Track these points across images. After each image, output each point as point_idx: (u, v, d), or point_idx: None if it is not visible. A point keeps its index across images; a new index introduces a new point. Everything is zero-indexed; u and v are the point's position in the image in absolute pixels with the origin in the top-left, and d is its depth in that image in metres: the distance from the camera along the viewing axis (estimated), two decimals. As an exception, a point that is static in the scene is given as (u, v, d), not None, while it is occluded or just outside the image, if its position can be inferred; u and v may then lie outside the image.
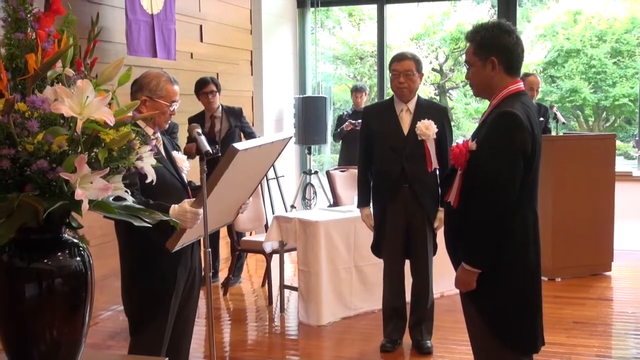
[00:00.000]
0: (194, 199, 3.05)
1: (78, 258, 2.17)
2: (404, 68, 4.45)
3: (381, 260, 5.39)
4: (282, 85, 8.78)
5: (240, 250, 6.25)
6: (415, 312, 4.78)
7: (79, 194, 1.88)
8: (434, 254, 4.72)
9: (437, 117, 4.49)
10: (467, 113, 17.35)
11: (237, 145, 2.83)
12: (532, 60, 16.36)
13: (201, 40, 7.01)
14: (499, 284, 2.94)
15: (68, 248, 2.15)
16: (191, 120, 6.17)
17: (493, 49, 2.94)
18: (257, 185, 3.60)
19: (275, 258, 5.98)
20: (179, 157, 3.43)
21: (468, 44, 3.05)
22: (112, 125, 1.94)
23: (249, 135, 6.41)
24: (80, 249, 2.17)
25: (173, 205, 3.08)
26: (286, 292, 5.84)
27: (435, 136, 4.45)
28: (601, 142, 6.79)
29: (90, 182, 1.93)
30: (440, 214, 4.47)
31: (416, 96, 4.55)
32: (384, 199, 4.57)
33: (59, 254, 2.12)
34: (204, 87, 6.31)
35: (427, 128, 4.41)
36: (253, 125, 8.03)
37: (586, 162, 6.53)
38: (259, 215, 6.31)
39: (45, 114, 1.97)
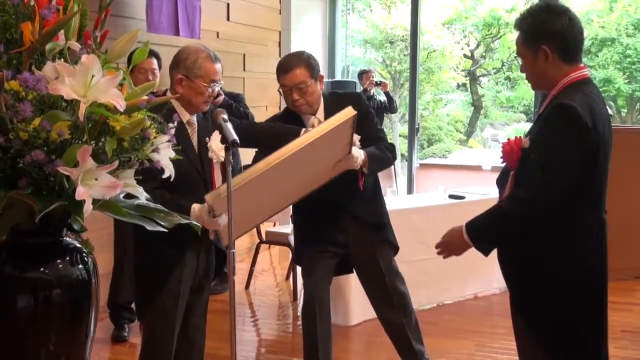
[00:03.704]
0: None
1: (81, 265, 1.87)
2: (294, 82, 3.42)
3: (417, 257, 5.08)
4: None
5: (263, 242, 5.94)
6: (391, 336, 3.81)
7: (80, 192, 1.57)
8: (394, 252, 3.78)
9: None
10: (498, 102, 16.92)
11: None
12: (566, 49, 15.89)
13: (228, 19, 6.69)
14: (559, 301, 2.61)
15: (69, 254, 1.86)
16: None
17: (543, 36, 2.56)
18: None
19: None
20: (215, 146, 3.01)
21: (518, 34, 2.69)
22: (122, 109, 1.62)
23: (243, 115, 5.53)
24: (84, 254, 1.87)
25: (194, 205, 2.81)
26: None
27: (357, 142, 3.36)
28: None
29: (95, 179, 1.61)
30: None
31: (322, 100, 3.56)
32: (304, 211, 3.64)
33: (59, 261, 1.83)
34: None
35: None
36: (279, 109, 7.72)
37: (629, 157, 6.12)
38: (284, 206, 5.98)
39: (43, 95, 1.65)
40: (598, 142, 2.51)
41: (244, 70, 6.93)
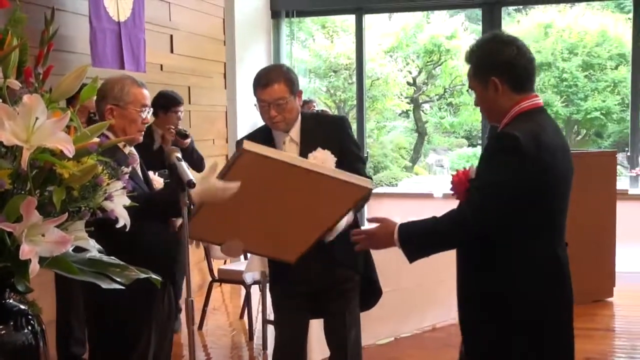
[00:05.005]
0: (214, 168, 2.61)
1: (26, 330, 1.66)
2: (274, 97, 3.18)
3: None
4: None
5: (216, 280, 5.73)
6: None
7: (25, 251, 1.39)
8: (372, 304, 3.59)
9: (333, 135, 3.28)
10: (442, 128, 17.04)
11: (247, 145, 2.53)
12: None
13: (172, 51, 6.51)
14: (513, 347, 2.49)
15: (13, 318, 1.65)
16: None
17: (492, 68, 2.48)
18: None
19: (254, 288, 5.47)
20: (156, 179, 3.05)
21: (469, 67, 2.60)
22: (71, 155, 1.44)
23: (198, 160, 5.52)
24: (30, 317, 1.66)
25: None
26: (268, 327, 5.33)
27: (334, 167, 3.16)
28: (601, 159, 6.42)
29: (42, 234, 1.43)
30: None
31: (299, 119, 3.32)
32: None
33: (1, 326, 1.62)
34: (176, 105, 5.42)
35: (323, 163, 3.12)
36: (227, 142, 7.56)
37: (585, 180, 6.12)
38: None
39: (-21, 141, 1.45)
40: (545, 173, 2.40)
41: (190, 103, 6.75)
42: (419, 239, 2.54)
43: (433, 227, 2.51)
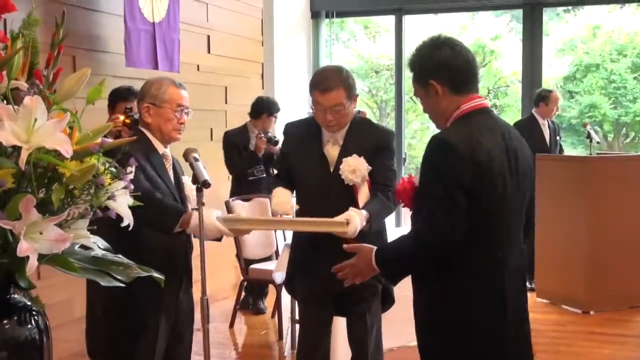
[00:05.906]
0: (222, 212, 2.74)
1: (30, 325, 1.70)
2: (331, 103, 3.22)
3: (406, 292, 4.91)
4: (294, 101, 8.32)
5: (247, 280, 5.78)
6: None
7: (23, 248, 1.43)
8: (385, 309, 3.60)
9: (372, 146, 3.33)
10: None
11: None
12: (551, 75, 15.94)
13: (209, 51, 6.59)
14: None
15: (17, 313, 1.69)
16: (232, 135, 6.11)
17: (429, 72, 2.43)
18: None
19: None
20: (188, 185, 3.04)
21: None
22: (68, 156, 1.47)
23: None
24: (34, 313, 1.71)
25: (193, 211, 2.77)
26: (298, 326, 5.35)
27: (367, 177, 3.29)
28: (640, 164, 6.29)
29: (40, 232, 1.47)
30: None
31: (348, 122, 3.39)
32: (305, 245, 3.44)
33: (5, 321, 1.67)
34: (278, 111, 6.24)
35: (354, 172, 3.24)
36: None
37: (624, 184, 6.02)
38: (269, 241, 5.84)
39: (-16, 141, 1.50)
40: (481, 177, 2.31)
41: (226, 103, 6.81)
42: (394, 265, 2.51)
43: (403, 250, 2.47)
